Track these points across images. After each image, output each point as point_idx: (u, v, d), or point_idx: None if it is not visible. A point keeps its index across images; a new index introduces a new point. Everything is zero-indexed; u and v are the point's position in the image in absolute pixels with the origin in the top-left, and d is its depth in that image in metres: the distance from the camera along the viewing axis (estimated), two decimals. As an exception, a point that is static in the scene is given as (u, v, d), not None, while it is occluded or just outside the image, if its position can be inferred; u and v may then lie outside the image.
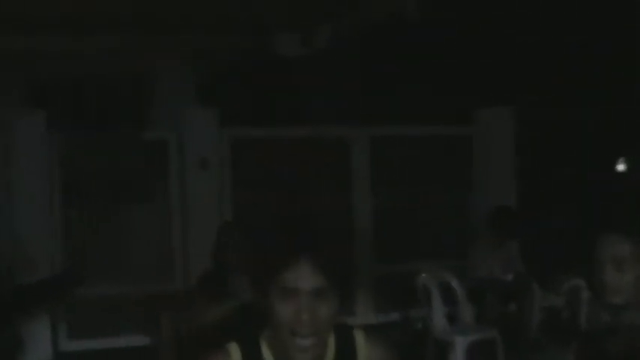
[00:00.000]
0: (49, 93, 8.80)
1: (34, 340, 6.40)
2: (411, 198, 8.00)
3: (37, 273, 6.18)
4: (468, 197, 8.21)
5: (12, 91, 8.53)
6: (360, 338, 2.16)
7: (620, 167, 10.62)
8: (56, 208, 7.12)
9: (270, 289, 1.98)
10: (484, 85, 7.71)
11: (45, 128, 6.94)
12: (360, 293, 7.66)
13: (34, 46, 8.02)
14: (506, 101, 7.97)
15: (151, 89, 8.94)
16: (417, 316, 6.52)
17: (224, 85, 7.89)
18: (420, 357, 6.06)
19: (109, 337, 7.01)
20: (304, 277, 1.94)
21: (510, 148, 8.10)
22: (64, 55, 8.22)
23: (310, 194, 7.61)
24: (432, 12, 6.35)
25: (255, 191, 7.42)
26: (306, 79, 7.68)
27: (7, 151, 6.88)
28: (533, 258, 6.92)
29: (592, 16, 6.38)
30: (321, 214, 7.47)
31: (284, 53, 7.64)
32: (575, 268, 5.45)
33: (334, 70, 7.46)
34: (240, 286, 4.18)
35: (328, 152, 7.74)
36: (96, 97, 9.15)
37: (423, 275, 6.12)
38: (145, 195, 7.53)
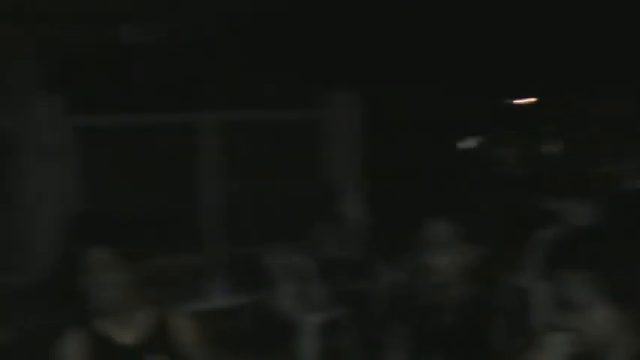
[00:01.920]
0: None
1: None
2: (261, 181, 8.11)
3: None
4: (317, 179, 8.37)
5: None
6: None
7: (468, 145, 11.09)
8: None
9: None
10: (332, 69, 7.85)
11: None
12: (210, 276, 7.70)
13: None
14: (353, 85, 8.17)
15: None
16: (267, 297, 6.60)
17: (69, 73, 7.69)
18: (270, 338, 6.14)
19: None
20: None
21: (358, 131, 8.32)
22: None
23: (159, 180, 7.58)
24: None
25: (100, 179, 7.33)
26: (153, 67, 7.60)
27: None
28: (383, 235, 7.14)
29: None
30: (169, 198, 7.47)
31: (130, 42, 7.54)
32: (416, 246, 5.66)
33: (181, 57, 7.42)
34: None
35: (176, 138, 7.74)
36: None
37: (271, 256, 6.20)
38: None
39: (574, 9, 6.32)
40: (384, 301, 6.52)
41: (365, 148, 8.37)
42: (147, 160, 7.67)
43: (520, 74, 8.88)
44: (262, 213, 8.12)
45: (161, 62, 7.49)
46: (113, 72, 7.75)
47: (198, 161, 7.95)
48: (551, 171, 11.92)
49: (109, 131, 7.50)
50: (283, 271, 6.16)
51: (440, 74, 8.27)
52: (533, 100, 11.52)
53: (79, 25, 7.61)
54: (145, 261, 2.91)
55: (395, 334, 2.89)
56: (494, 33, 6.89)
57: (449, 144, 10.26)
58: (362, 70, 7.81)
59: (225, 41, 7.38)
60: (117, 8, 7.23)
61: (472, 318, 2.56)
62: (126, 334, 2.91)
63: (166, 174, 7.79)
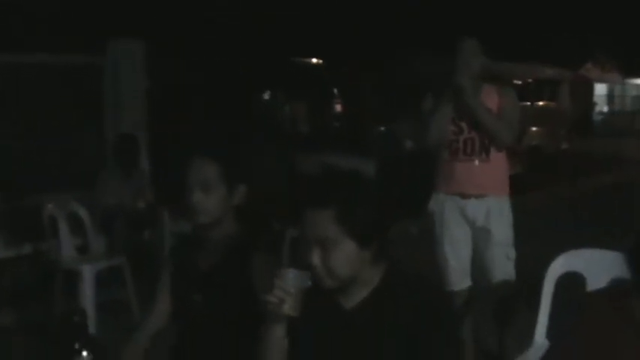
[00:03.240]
0: None
1: None
2: (41, 128, 7.83)
3: None
4: (98, 127, 8.20)
5: None
6: None
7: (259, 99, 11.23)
8: None
9: None
10: (116, 15, 7.70)
11: None
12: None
13: None
14: (137, 32, 8.05)
15: None
16: (47, 248, 6.44)
17: None
18: (51, 289, 6.03)
19: None
20: None
21: (141, 78, 8.21)
22: None
23: None
24: None
25: None
26: None
27: None
28: (164, 186, 7.14)
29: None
30: None
31: None
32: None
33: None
34: None
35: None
36: None
37: (50, 206, 6.05)
38: None
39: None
40: (168, 250, 6.59)
41: (149, 97, 8.28)
42: None
43: (311, 35, 9.13)
44: (42, 161, 7.83)
45: None
46: None
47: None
48: (334, 128, 12.39)
49: None
50: (64, 222, 6.02)
51: (229, 29, 8.35)
52: (320, 61, 11.89)
53: None
54: None
55: (165, 278, 2.92)
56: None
57: (236, 96, 10.37)
58: (149, 19, 7.72)
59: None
60: None
61: (234, 258, 2.65)
62: None
63: None
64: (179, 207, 6.60)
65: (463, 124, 4.19)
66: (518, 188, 4.96)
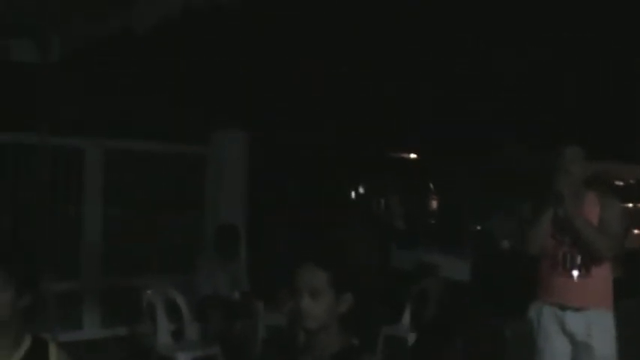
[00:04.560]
0: None
1: None
2: (144, 213, 8.06)
3: None
4: (199, 215, 8.40)
5: None
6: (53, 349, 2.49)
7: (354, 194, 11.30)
8: None
9: None
10: (221, 106, 7.94)
11: None
12: (87, 306, 7.58)
13: None
14: (242, 124, 8.28)
15: None
16: (143, 331, 6.55)
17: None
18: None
19: None
20: None
21: (243, 170, 8.41)
22: None
23: (40, 205, 7.43)
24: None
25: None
26: (43, 87, 7.49)
27: None
28: (261, 277, 7.21)
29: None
30: (50, 224, 7.32)
31: (20, 60, 7.40)
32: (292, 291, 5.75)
33: (70, 79, 7.33)
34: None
35: (62, 162, 7.62)
36: None
37: (149, 291, 6.18)
38: None
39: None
40: (261, 341, 6.60)
41: (251, 187, 8.45)
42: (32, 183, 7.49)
43: (405, 129, 9.21)
44: (143, 244, 8.03)
45: (52, 83, 7.39)
46: (3, 91, 7.60)
47: (82, 187, 7.80)
48: (430, 224, 12.34)
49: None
50: (162, 309, 6.14)
51: (330, 122, 8.49)
52: (415, 155, 11.94)
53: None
54: (31, 285, 2.90)
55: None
56: (385, 90, 7.15)
57: (336, 191, 10.48)
58: (252, 111, 7.93)
59: (116, 67, 7.35)
60: (9, 23, 7.10)
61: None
62: (2, 357, 2.89)
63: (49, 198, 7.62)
64: (274, 299, 6.70)
65: (563, 238, 4.11)
66: (618, 294, 4.82)
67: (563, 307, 4.11)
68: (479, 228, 11.08)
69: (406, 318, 7.23)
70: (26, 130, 7.25)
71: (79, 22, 6.08)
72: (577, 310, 4.08)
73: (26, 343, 2.87)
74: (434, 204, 13.54)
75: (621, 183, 18.32)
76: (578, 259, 4.07)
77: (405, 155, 11.86)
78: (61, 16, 6.05)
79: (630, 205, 20.56)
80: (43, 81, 7.09)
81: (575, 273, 4.08)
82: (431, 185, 13.53)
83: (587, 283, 4.08)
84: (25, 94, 7.31)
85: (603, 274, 4.15)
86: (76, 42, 6.41)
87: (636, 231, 18.21)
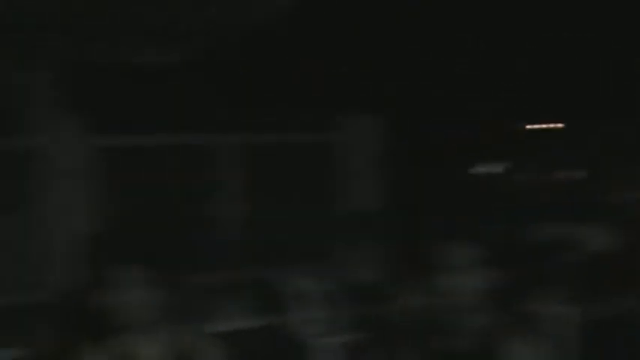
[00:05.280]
0: None
1: None
2: (279, 204, 8.13)
3: None
4: (334, 204, 8.40)
5: None
6: None
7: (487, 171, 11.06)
8: None
9: None
10: (352, 92, 7.89)
11: None
12: (227, 297, 7.70)
13: None
14: (373, 110, 8.21)
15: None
16: (288, 320, 6.60)
17: (87, 93, 7.76)
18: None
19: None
20: None
21: (376, 157, 8.33)
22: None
23: (179, 202, 7.61)
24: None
25: (122, 201, 7.36)
26: (170, 87, 7.67)
27: None
28: (401, 260, 7.13)
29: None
30: (191, 221, 7.50)
31: (145, 62, 7.61)
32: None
33: (197, 78, 7.47)
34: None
35: (194, 160, 7.78)
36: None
37: (292, 280, 6.21)
38: (8, 205, 7.33)
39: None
40: (403, 325, 6.53)
41: (383, 172, 8.37)
42: (166, 180, 7.69)
43: (537, 101, 8.91)
44: (280, 235, 8.11)
45: (178, 83, 7.54)
46: (130, 93, 7.83)
47: (216, 183, 7.96)
48: (566, 197, 11.89)
49: (129, 151, 7.53)
50: (300, 295, 6.17)
51: (460, 101, 8.31)
52: (550, 126, 11.53)
53: (100, 48, 7.69)
54: (170, 280, 2.95)
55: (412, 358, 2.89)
56: (516, 60, 6.94)
57: (468, 168, 10.27)
58: (383, 95, 7.86)
59: (244, 63, 7.43)
60: (137, 31, 7.30)
61: (490, 343, 2.57)
62: (151, 351, 2.95)
63: (184, 194, 7.81)
64: (418, 282, 6.60)
65: None
66: None
67: None
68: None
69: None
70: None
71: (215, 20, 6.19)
72: None
73: None
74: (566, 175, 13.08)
75: None
76: None
77: (539, 126, 11.50)
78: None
79: None
80: (170, 81, 7.29)
81: None
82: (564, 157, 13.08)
83: None
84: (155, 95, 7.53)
85: None
86: (209, 41, 6.52)
87: None
